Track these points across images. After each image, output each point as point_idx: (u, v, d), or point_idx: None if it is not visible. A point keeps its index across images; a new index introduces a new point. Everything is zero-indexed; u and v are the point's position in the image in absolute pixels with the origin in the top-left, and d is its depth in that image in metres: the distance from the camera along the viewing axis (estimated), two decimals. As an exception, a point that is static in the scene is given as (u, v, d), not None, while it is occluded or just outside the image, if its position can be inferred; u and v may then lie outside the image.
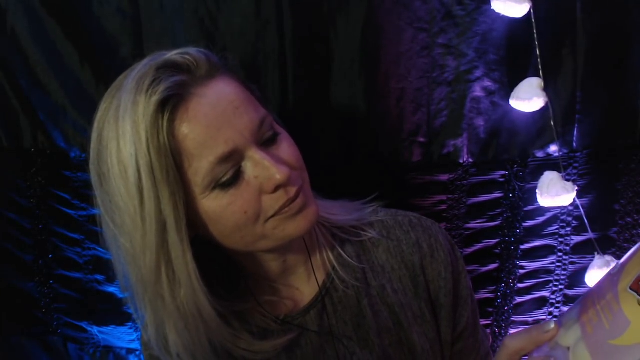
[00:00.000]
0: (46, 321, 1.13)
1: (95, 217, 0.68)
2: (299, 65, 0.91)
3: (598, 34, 0.88)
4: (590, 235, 0.94)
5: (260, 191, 0.62)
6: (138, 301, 0.66)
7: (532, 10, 0.84)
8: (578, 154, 0.94)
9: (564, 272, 1.02)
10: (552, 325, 0.55)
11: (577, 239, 0.99)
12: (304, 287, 0.76)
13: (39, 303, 1.11)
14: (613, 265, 0.67)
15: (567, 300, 1.04)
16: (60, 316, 1.12)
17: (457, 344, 0.80)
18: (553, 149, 0.93)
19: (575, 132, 0.93)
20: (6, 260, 1.08)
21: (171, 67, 0.61)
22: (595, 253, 0.95)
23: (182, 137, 0.59)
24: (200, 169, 0.60)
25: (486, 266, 1.02)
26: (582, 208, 0.93)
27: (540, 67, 0.88)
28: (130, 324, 1.11)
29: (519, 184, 0.96)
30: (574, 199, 0.91)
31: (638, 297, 0.46)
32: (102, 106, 0.63)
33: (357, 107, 0.92)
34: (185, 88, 0.60)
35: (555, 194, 0.90)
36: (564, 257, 1.01)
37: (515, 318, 1.06)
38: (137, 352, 1.14)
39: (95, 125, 0.63)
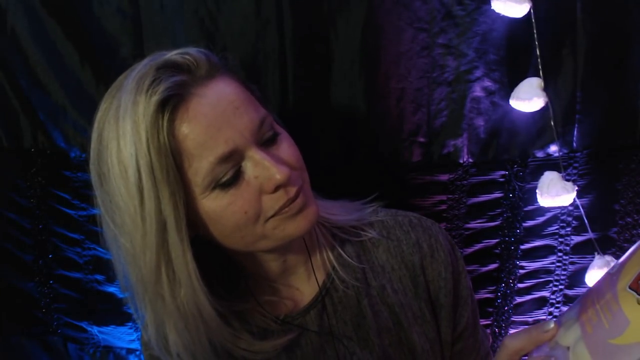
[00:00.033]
0: (46, 321, 1.13)
1: (95, 217, 0.68)
2: (299, 65, 0.91)
3: (598, 34, 0.88)
4: (590, 235, 0.94)
5: (260, 191, 0.62)
6: (138, 301, 0.66)
7: (532, 10, 0.85)
8: (578, 154, 0.94)
9: (564, 272, 1.02)
10: (552, 325, 0.55)
11: (577, 239, 0.99)
12: (304, 287, 0.76)
13: (39, 303, 1.11)
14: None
15: (567, 300, 1.04)
16: (60, 316, 1.12)
17: (457, 344, 0.80)
18: (553, 149, 0.93)
19: (575, 132, 0.93)
20: (6, 260, 1.08)
21: (171, 67, 0.61)
22: (595, 253, 0.95)
23: (182, 137, 0.59)
24: (200, 169, 0.60)
25: (486, 266, 1.02)
26: (582, 208, 0.93)
27: (540, 67, 0.88)
28: (130, 324, 1.11)
29: (519, 184, 0.96)
30: (574, 199, 0.91)
31: (637, 296, 0.46)
32: (102, 106, 0.63)
33: (357, 107, 0.92)
34: (185, 88, 0.60)
35: (555, 194, 0.90)
36: (564, 257, 1.01)
37: (515, 318, 1.06)
38: (137, 352, 1.14)
39: (96, 125, 0.63)
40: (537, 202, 0.94)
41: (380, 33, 0.89)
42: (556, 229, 0.99)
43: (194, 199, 0.62)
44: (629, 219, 0.98)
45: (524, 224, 0.99)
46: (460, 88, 0.91)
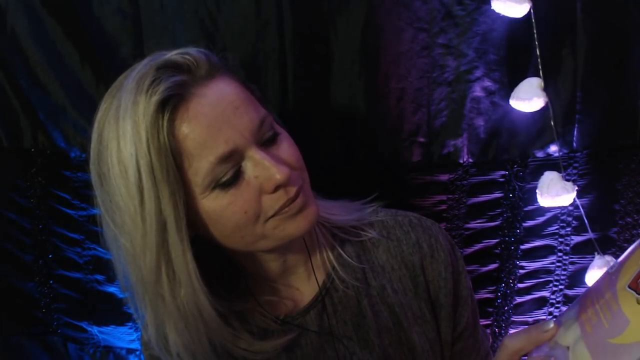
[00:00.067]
0: (46, 321, 1.13)
1: (95, 217, 0.68)
2: (299, 65, 0.91)
3: (598, 34, 0.88)
4: (590, 235, 0.94)
5: (260, 191, 0.62)
6: (138, 301, 0.66)
7: (532, 10, 0.85)
8: (578, 154, 0.94)
9: (564, 272, 1.02)
10: (551, 325, 0.55)
11: (577, 239, 0.99)
12: (304, 287, 0.76)
13: (39, 303, 1.11)
14: (613, 265, 0.67)
15: (567, 300, 1.04)
16: (60, 316, 1.12)
17: (457, 344, 0.80)
18: (553, 149, 0.93)
19: (575, 132, 0.93)
20: (6, 260, 1.08)
21: (171, 67, 0.61)
22: (595, 253, 0.95)
23: (182, 137, 0.59)
24: (200, 168, 0.60)
25: (486, 266, 1.02)
26: (582, 208, 0.93)
27: (540, 67, 0.88)
28: (130, 324, 1.11)
29: (519, 184, 0.96)
30: (574, 199, 0.91)
31: (637, 295, 0.46)
32: (102, 106, 0.63)
33: (357, 107, 0.92)
34: (186, 88, 0.60)
35: (555, 194, 0.90)
36: (564, 257, 1.01)
37: (515, 318, 1.06)
38: (137, 352, 1.14)
39: (96, 125, 0.63)
40: (537, 202, 0.94)
41: (380, 33, 0.89)
42: (556, 229, 0.99)
43: (194, 199, 0.62)
44: (629, 219, 0.98)
45: (524, 224, 0.99)
46: (460, 88, 0.91)
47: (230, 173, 0.61)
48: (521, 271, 1.02)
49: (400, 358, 0.74)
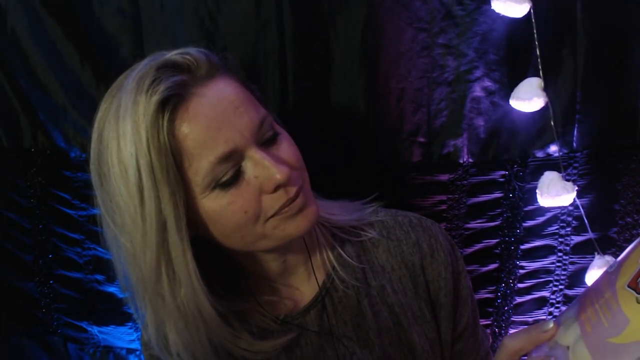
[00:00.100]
0: (46, 321, 1.13)
1: (95, 217, 0.68)
2: (299, 65, 0.91)
3: (598, 34, 0.88)
4: (590, 235, 0.94)
5: (260, 191, 0.62)
6: (138, 301, 0.66)
7: (532, 10, 0.85)
8: (578, 154, 0.94)
9: (564, 272, 1.02)
10: (551, 325, 0.55)
11: (577, 239, 0.99)
12: (304, 287, 0.76)
13: (39, 303, 1.11)
14: (613, 265, 0.67)
15: (567, 300, 1.04)
16: (60, 316, 1.12)
17: (457, 344, 0.80)
18: (553, 149, 0.93)
19: (575, 132, 0.93)
20: (6, 260, 1.08)
21: (171, 67, 0.61)
22: (595, 253, 0.95)
23: (182, 137, 0.59)
24: (200, 168, 0.60)
25: (486, 266, 1.02)
26: (582, 208, 0.93)
27: (540, 67, 0.88)
28: (130, 324, 1.11)
29: (519, 184, 0.96)
30: (574, 199, 0.91)
31: (636, 294, 0.46)
32: (103, 106, 0.63)
33: (357, 107, 0.92)
34: (186, 88, 0.60)
35: (555, 194, 0.90)
36: (564, 257, 1.01)
37: (515, 318, 1.06)
38: (137, 352, 1.14)
39: (96, 125, 0.63)
40: (537, 202, 0.94)
41: (380, 33, 0.89)
42: (556, 229, 0.99)
43: (194, 199, 0.62)
44: (629, 219, 0.98)
45: (524, 224, 0.99)
46: (460, 88, 0.91)
47: (230, 173, 0.61)
48: (521, 271, 1.02)
49: (400, 358, 0.74)
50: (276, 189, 0.62)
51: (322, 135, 0.95)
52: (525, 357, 0.58)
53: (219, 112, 0.60)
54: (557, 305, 1.04)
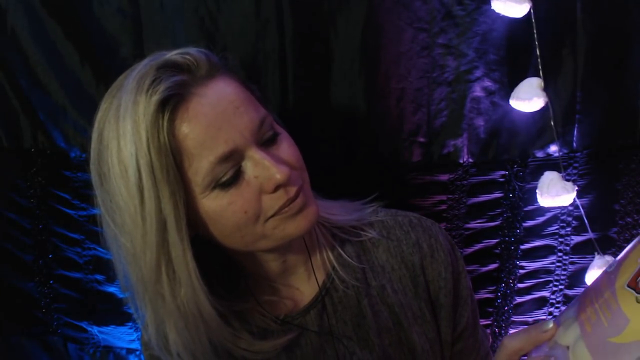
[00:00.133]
0: (46, 321, 1.13)
1: (95, 217, 0.68)
2: (299, 65, 0.91)
3: (598, 34, 0.88)
4: (590, 235, 0.94)
5: (260, 191, 0.62)
6: (138, 300, 0.66)
7: (532, 10, 0.85)
8: (578, 154, 0.94)
9: (564, 272, 1.02)
10: (551, 325, 0.55)
11: (577, 239, 0.99)
12: (304, 287, 0.76)
13: (39, 303, 1.11)
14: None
15: (567, 300, 1.04)
16: (60, 316, 1.12)
17: (457, 344, 0.80)
18: (553, 149, 0.93)
19: (575, 132, 0.93)
20: (6, 260, 1.08)
21: (171, 67, 0.61)
22: (595, 253, 0.95)
23: (182, 137, 0.59)
24: (200, 168, 0.60)
25: (486, 266, 1.02)
26: (582, 208, 0.93)
27: (540, 67, 0.88)
28: (130, 324, 1.11)
29: (519, 184, 0.96)
30: (574, 199, 0.91)
31: (636, 294, 0.46)
32: (103, 106, 0.63)
33: (357, 107, 0.92)
34: (186, 88, 0.60)
35: (555, 194, 0.90)
36: (564, 257, 1.01)
37: (515, 318, 1.06)
38: (137, 352, 1.14)
39: (96, 125, 0.63)
40: (537, 202, 0.94)
41: (380, 33, 0.89)
42: (556, 229, 0.99)
43: (194, 199, 0.62)
44: (629, 219, 0.98)
45: (524, 224, 0.99)
46: (460, 88, 0.91)
47: (230, 173, 0.61)
48: (521, 271, 1.02)
49: (400, 358, 0.74)
50: (276, 189, 0.62)
51: (322, 135, 0.95)
52: (525, 357, 0.58)
53: (219, 112, 0.60)
54: (557, 305, 1.04)
